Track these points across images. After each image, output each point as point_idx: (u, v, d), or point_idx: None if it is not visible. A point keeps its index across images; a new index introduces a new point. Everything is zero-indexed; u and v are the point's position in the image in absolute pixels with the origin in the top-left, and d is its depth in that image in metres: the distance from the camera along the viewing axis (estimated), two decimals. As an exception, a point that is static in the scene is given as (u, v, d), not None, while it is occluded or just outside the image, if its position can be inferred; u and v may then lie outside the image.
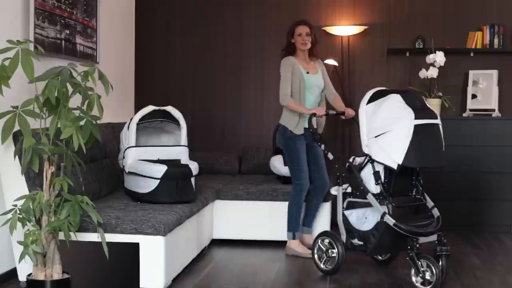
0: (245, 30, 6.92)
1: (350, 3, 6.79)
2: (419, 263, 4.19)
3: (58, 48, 4.97)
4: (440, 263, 4.24)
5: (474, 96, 6.52)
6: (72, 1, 5.20)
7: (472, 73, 6.56)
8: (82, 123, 3.83)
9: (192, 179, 4.78)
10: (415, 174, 4.50)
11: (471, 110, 6.50)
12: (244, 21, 6.92)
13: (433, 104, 6.42)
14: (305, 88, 5.16)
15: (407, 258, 4.23)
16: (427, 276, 4.16)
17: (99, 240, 3.81)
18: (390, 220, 4.24)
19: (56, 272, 3.81)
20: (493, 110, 6.43)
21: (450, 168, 6.28)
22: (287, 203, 5.39)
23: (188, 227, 4.65)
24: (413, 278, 4.22)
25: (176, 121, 5.00)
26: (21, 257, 3.72)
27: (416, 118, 4.24)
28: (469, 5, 6.70)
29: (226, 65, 6.95)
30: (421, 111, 4.32)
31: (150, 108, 4.89)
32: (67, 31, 5.13)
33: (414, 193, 4.52)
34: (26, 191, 4.03)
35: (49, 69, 3.85)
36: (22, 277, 4.12)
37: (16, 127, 3.78)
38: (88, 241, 4.08)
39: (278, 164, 5.77)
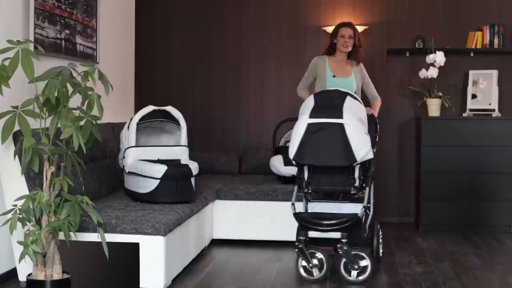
0: (245, 30, 6.92)
1: (350, 3, 6.79)
2: (306, 253, 4.41)
3: (58, 48, 4.97)
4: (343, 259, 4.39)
5: (474, 96, 6.52)
6: (72, 1, 5.20)
7: (472, 73, 6.56)
8: (82, 123, 3.83)
9: (192, 179, 4.78)
10: (351, 171, 4.53)
11: (471, 110, 6.50)
12: (244, 21, 6.92)
13: (433, 104, 6.43)
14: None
15: (295, 249, 4.45)
16: (314, 269, 4.44)
17: (99, 240, 3.81)
18: (293, 210, 4.53)
19: (56, 272, 3.81)
20: (493, 110, 6.43)
21: (450, 168, 6.31)
22: (287, 203, 5.39)
23: (188, 227, 4.65)
24: (300, 268, 4.45)
25: (176, 121, 5.00)
26: (21, 257, 3.72)
27: (311, 116, 4.44)
28: (469, 5, 6.70)
29: (226, 65, 6.95)
30: (322, 109, 4.46)
31: (150, 108, 4.89)
32: (67, 31, 5.13)
33: (352, 190, 4.57)
34: (26, 191, 4.03)
35: (49, 69, 3.85)
36: (22, 277, 4.12)
37: (16, 127, 3.78)
38: (88, 241, 4.08)
39: (278, 164, 5.77)
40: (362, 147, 4.39)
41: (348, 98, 4.54)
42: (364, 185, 4.59)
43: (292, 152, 4.47)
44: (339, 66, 5.33)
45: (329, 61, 5.34)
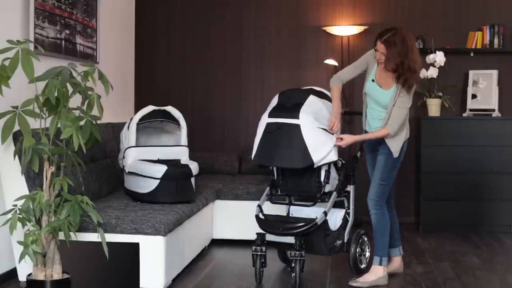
0: (245, 30, 6.92)
1: (350, 3, 6.79)
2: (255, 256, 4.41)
3: (58, 48, 4.97)
4: (296, 267, 4.23)
5: (474, 96, 6.52)
6: (72, 1, 5.20)
7: (472, 73, 6.56)
8: (82, 123, 3.83)
9: (192, 179, 4.78)
10: (317, 174, 4.42)
11: (471, 110, 6.50)
12: (244, 21, 6.92)
13: (433, 104, 6.43)
14: (364, 92, 4.52)
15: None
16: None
17: (99, 240, 3.81)
18: (256, 212, 4.50)
19: (56, 272, 3.81)
20: (493, 110, 6.43)
21: (450, 168, 6.31)
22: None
23: (188, 227, 4.65)
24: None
25: (176, 121, 5.00)
26: (21, 257, 3.72)
27: (270, 116, 4.36)
28: (469, 5, 6.70)
29: (226, 65, 6.95)
30: (281, 109, 4.35)
31: (150, 108, 4.89)
32: (67, 31, 5.13)
33: (315, 192, 4.45)
34: (26, 191, 4.03)
35: (49, 69, 3.85)
36: (22, 277, 4.12)
37: (16, 127, 3.78)
38: (88, 241, 4.08)
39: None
40: (319, 148, 4.23)
41: (311, 97, 4.36)
42: (339, 189, 4.47)
43: (252, 153, 4.41)
44: (384, 74, 4.38)
45: (378, 64, 4.42)
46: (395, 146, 4.40)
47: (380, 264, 4.43)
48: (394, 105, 4.33)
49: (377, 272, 4.42)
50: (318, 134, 4.26)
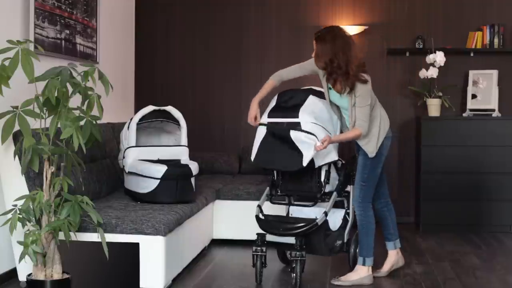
0: (245, 30, 6.92)
1: (350, 3, 6.79)
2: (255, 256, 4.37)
3: (58, 48, 4.97)
4: (296, 267, 4.21)
5: (474, 96, 6.52)
6: (72, 1, 5.20)
7: (472, 73, 6.56)
8: (82, 123, 3.83)
9: (192, 179, 4.78)
10: (316, 173, 4.42)
11: (471, 110, 6.50)
12: (244, 21, 6.92)
13: (433, 104, 6.43)
14: (329, 100, 4.45)
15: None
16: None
17: (99, 240, 3.81)
18: (256, 212, 4.47)
19: (56, 272, 3.81)
20: (493, 110, 6.43)
21: (450, 168, 6.31)
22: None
23: (188, 227, 4.65)
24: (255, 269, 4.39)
25: (176, 121, 5.01)
26: (21, 257, 3.72)
27: (269, 117, 4.35)
28: (469, 5, 6.70)
29: (226, 65, 6.95)
30: (280, 109, 4.34)
31: (150, 108, 4.89)
32: (67, 31, 5.13)
33: (316, 193, 4.46)
34: (26, 191, 4.03)
35: (49, 69, 3.85)
36: (22, 277, 4.12)
37: (16, 127, 3.77)
38: (88, 241, 4.08)
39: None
40: (309, 146, 4.17)
41: (311, 98, 4.37)
42: (339, 189, 4.47)
43: (252, 154, 4.39)
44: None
45: None
46: (370, 147, 4.36)
47: (364, 264, 4.45)
48: (354, 106, 4.25)
49: (361, 272, 4.44)
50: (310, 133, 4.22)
